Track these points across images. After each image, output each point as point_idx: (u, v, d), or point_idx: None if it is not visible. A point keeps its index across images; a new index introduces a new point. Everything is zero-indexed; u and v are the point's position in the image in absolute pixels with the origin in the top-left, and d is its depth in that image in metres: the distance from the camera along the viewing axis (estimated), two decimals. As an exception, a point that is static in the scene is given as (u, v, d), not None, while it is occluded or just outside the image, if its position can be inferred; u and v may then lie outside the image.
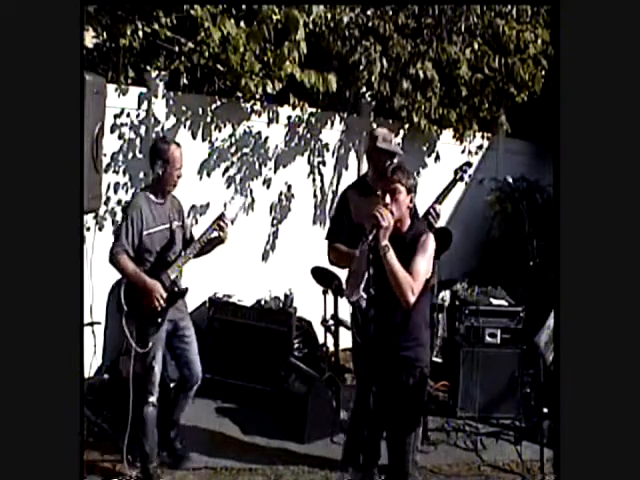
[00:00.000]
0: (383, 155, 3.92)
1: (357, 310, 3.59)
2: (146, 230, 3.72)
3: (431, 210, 3.94)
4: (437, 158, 6.82)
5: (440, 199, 4.05)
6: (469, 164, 4.36)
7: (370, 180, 4.00)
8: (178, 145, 3.85)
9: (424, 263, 3.14)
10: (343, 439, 4.01)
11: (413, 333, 3.24)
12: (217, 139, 5.45)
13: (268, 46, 5.06)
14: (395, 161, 3.92)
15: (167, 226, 3.83)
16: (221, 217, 3.88)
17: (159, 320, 3.76)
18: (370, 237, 3.05)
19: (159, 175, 3.76)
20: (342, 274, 4.06)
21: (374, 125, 6.37)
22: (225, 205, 4.12)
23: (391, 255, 3.06)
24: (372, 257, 3.10)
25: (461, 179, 4.26)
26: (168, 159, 3.74)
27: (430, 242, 3.19)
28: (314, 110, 5.89)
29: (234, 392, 5.03)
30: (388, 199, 3.18)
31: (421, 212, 3.94)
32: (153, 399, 3.80)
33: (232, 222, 4.01)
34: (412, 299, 3.08)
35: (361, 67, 5.60)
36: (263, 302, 5.38)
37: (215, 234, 3.87)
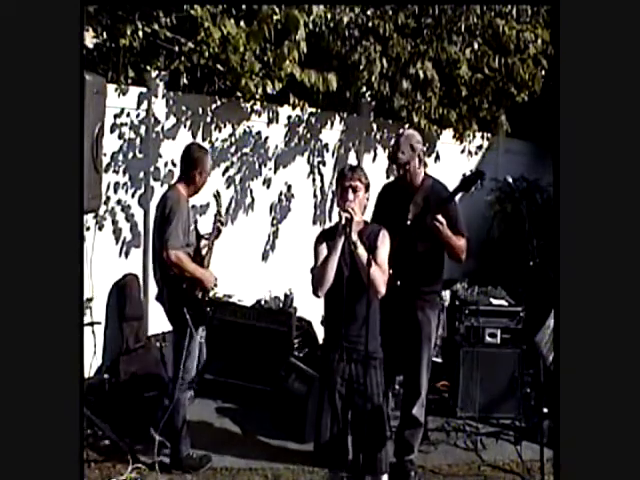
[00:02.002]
0: (401, 162, 3.92)
1: None
2: (190, 226, 3.90)
3: (435, 217, 3.74)
4: (437, 158, 6.83)
5: (440, 206, 3.83)
6: (480, 175, 3.81)
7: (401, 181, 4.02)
8: (209, 154, 4.10)
9: (386, 256, 3.28)
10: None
11: (370, 326, 3.27)
12: (217, 139, 5.45)
13: (268, 46, 5.06)
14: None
15: (194, 225, 4.02)
16: (217, 216, 4.09)
17: (208, 309, 4.08)
18: (347, 231, 3.13)
19: (195, 180, 3.94)
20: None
21: (374, 126, 6.38)
22: (226, 211, 4.20)
23: (362, 248, 3.16)
24: (339, 254, 3.19)
25: (466, 189, 3.81)
26: (205, 168, 3.97)
27: (387, 237, 3.33)
28: (314, 110, 5.89)
29: (234, 392, 5.03)
30: (351, 196, 3.26)
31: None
32: (189, 386, 4.01)
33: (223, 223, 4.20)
34: (383, 290, 3.20)
35: (361, 67, 5.60)
36: (263, 302, 5.38)
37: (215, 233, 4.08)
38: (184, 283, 3.82)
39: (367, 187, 3.34)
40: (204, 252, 4.02)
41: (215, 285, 4.03)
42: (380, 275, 3.17)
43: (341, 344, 3.31)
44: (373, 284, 3.14)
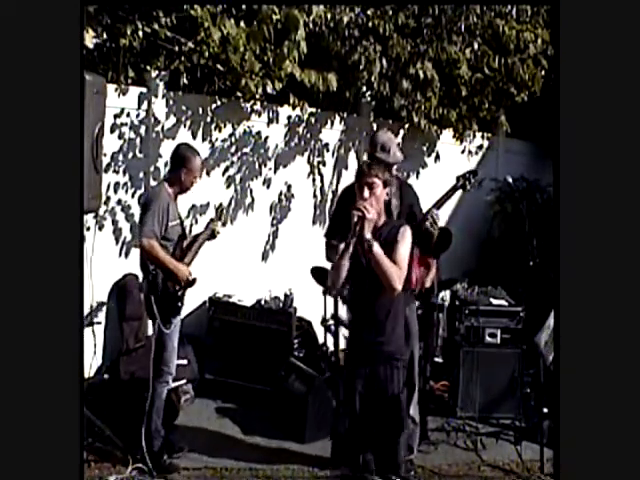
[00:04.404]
0: (382, 163, 3.91)
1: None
2: (170, 222, 3.91)
3: (428, 216, 3.85)
4: (437, 158, 6.82)
5: (439, 204, 3.94)
6: (474, 173, 4.11)
7: None
8: (200, 156, 4.10)
9: (406, 252, 3.22)
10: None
11: (392, 327, 3.27)
12: (217, 139, 5.45)
13: (268, 46, 5.05)
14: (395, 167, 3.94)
15: (178, 221, 4.03)
16: (209, 224, 4.12)
17: (179, 304, 3.97)
18: (357, 230, 3.11)
19: (180, 179, 3.97)
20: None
21: (374, 125, 6.38)
22: (217, 210, 4.20)
23: (377, 246, 3.12)
24: (354, 252, 3.17)
25: (463, 187, 4.06)
26: (192, 168, 3.98)
27: (409, 232, 3.27)
28: (314, 110, 5.89)
29: (234, 392, 5.03)
30: (367, 193, 3.23)
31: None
32: (165, 379, 3.97)
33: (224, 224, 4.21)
34: (399, 287, 3.16)
35: (361, 67, 5.60)
36: (263, 302, 5.38)
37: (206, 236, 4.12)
38: (156, 273, 3.85)
39: (385, 183, 3.29)
40: (186, 249, 4.04)
41: (190, 282, 3.97)
42: (396, 271, 3.12)
43: (363, 344, 3.29)
44: (388, 281, 3.11)
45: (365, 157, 6.28)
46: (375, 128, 6.39)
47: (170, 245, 3.95)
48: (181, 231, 4.06)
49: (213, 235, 4.12)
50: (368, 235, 3.12)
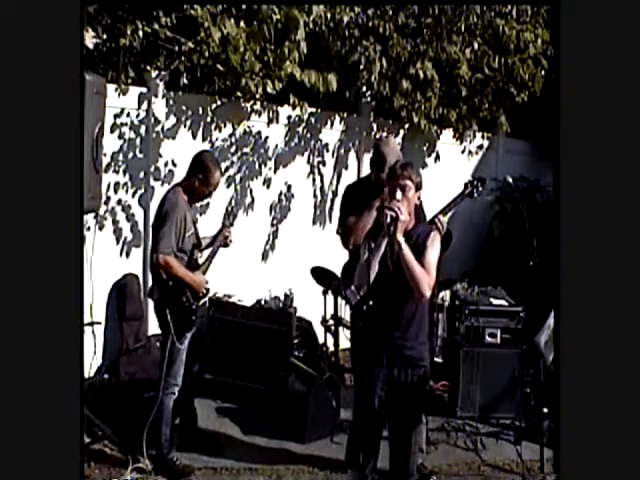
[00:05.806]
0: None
1: (357, 309, 3.62)
2: (187, 232, 3.82)
3: (436, 220, 3.84)
4: (437, 158, 6.83)
5: (445, 211, 3.96)
6: (482, 180, 4.16)
7: (374, 181, 4.01)
8: (220, 171, 4.03)
9: (434, 258, 3.18)
10: (344, 439, 4.01)
11: (416, 332, 3.25)
12: (217, 139, 5.45)
13: (268, 46, 5.06)
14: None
15: (193, 230, 3.93)
16: (222, 230, 4.06)
17: (194, 318, 3.89)
18: (390, 230, 3.07)
19: (193, 186, 3.87)
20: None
21: (374, 126, 6.38)
22: (226, 211, 4.14)
23: (407, 249, 3.08)
24: (381, 255, 3.13)
25: (470, 195, 4.11)
26: (208, 179, 3.87)
27: (438, 239, 3.25)
28: (314, 110, 5.89)
29: (234, 392, 5.03)
30: (399, 195, 3.20)
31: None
32: (172, 391, 3.90)
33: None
34: (428, 292, 3.11)
35: (361, 67, 5.60)
36: (263, 302, 5.38)
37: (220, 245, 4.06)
38: (172, 285, 3.78)
39: (418, 186, 3.26)
40: (201, 260, 3.98)
41: (206, 292, 3.93)
42: (425, 276, 3.08)
43: (384, 347, 3.25)
44: (417, 285, 3.06)
45: (366, 158, 6.32)
46: (375, 128, 6.40)
47: (185, 256, 3.85)
48: (196, 240, 3.95)
49: (226, 244, 4.06)
50: (400, 236, 3.08)
